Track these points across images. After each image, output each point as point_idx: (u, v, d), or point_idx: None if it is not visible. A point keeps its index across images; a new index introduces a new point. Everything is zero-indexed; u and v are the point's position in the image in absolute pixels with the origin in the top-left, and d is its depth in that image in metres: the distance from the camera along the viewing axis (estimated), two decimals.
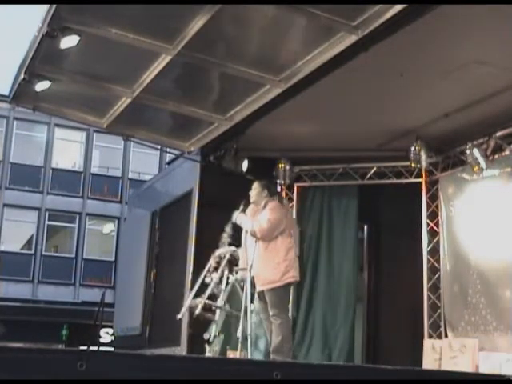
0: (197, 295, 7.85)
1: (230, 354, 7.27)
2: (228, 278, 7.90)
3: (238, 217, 7.07)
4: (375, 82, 8.03)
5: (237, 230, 7.58)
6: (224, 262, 7.87)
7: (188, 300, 7.77)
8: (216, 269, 7.93)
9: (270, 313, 6.83)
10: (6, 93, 9.56)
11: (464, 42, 7.00)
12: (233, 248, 7.92)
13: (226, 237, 8.03)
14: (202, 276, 7.98)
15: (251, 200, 7.16)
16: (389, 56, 7.25)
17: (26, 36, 7.84)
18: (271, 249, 6.87)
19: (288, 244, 7.01)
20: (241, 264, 7.18)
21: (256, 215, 7.03)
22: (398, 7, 6.29)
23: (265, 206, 7.06)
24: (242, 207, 7.09)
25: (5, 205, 25.60)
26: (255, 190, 7.18)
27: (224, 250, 8.04)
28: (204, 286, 7.88)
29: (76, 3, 6.85)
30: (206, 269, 8.01)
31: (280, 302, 6.89)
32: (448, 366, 8.49)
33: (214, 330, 7.58)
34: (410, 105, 8.75)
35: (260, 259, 6.85)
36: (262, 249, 6.89)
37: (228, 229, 7.94)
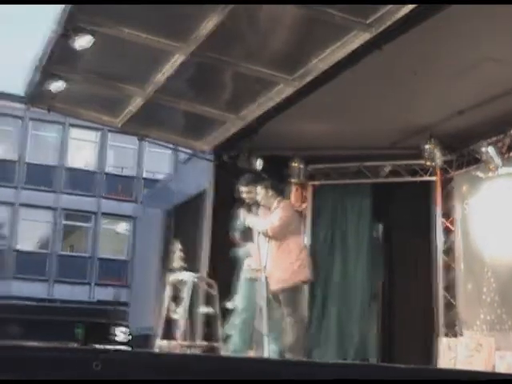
0: (166, 335, 7.20)
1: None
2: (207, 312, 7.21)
3: (249, 220, 7.07)
4: (388, 79, 8.01)
5: (187, 250, 7.35)
6: (188, 292, 6.97)
7: (157, 342, 7.02)
8: (175, 298, 7.08)
9: (284, 312, 6.83)
10: (22, 93, 9.61)
11: (478, 39, 6.96)
12: (192, 273, 7.10)
13: (177, 258, 7.27)
14: (164, 311, 7.17)
15: (261, 204, 7.16)
16: (402, 54, 7.23)
17: (41, 37, 7.90)
18: (284, 249, 6.87)
19: (300, 243, 7.05)
20: (253, 265, 7.16)
21: (267, 216, 7.04)
22: (412, 5, 6.27)
23: (277, 206, 7.06)
24: (254, 211, 7.09)
25: (21, 205, 25.77)
26: (259, 194, 7.17)
27: (182, 276, 7.14)
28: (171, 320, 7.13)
29: (89, 3, 6.87)
30: (165, 299, 7.17)
31: (293, 302, 6.89)
32: (464, 365, 8.45)
33: (229, 328, 7.57)
34: (424, 103, 8.71)
35: (273, 259, 6.86)
36: (274, 249, 6.89)
37: (176, 248, 7.35)
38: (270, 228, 6.88)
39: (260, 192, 7.17)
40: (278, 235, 6.91)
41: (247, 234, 7.35)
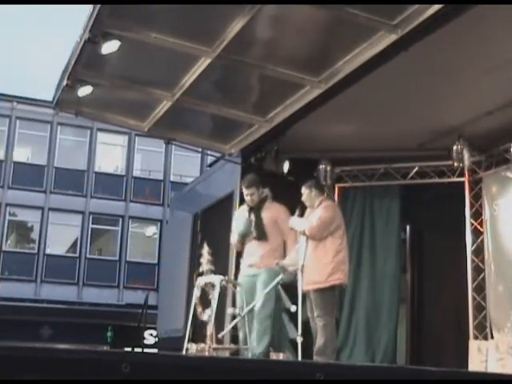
0: (194, 338, 7.19)
1: (273, 356, 7.26)
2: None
3: (291, 220, 7.03)
4: (416, 80, 7.96)
5: (214, 253, 7.24)
6: (216, 294, 6.83)
7: (185, 344, 6.95)
8: (203, 301, 6.97)
9: (315, 313, 6.80)
10: (50, 98, 9.72)
11: (506, 39, 6.89)
12: (221, 276, 7.01)
13: (206, 261, 7.11)
14: (191, 314, 7.10)
15: (307, 205, 7.12)
16: (429, 54, 7.18)
17: (69, 42, 7.99)
18: (320, 249, 6.81)
19: (338, 245, 6.90)
20: (244, 268, 7.19)
21: (310, 216, 7.00)
22: (438, 5, 6.23)
23: (319, 205, 7.01)
24: (297, 212, 7.05)
25: (50, 209, 26.03)
26: (304, 194, 7.14)
27: (211, 279, 7.02)
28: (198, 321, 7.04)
29: (115, 3, 6.91)
30: (193, 301, 7.07)
31: (324, 304, 6.82)
32: (495, 368, 8.36)
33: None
34: (452, 103, 8.65)
35: (309, 259, 6.81)
36: (311, 249, 6.84)
37: (204, 251, 7.21)
38: (308, 228, 6.82)
39: (304, 191, 7.13)
40: (316, 235, 6.82)
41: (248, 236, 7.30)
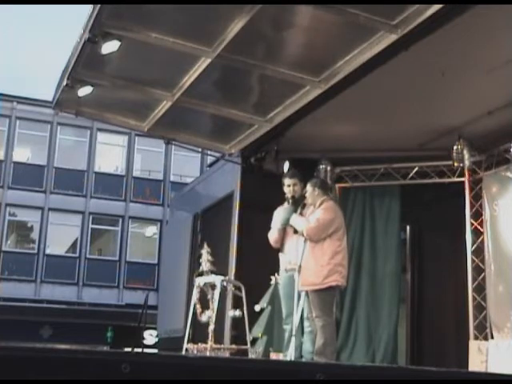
0: (194, 338, 7.29)
1: (273, 356, 7.26)
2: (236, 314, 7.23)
3: (292, 218, 7.02)
4: (416, 80, 7.96)
5: (214, 253, 7.29)
6: (217, 295, 6.94)
7: (185, 344, 7.06)
8: (203, 301, 7.07)
9: (314, 314, 6.80)
10: (50, 99, 9.72)
11: (506, 39, 6.89)
12: (221, 276, 7.09)
13: (206, 261, 7.19)
14: (191, 313, 7.19)
15: (308, 202, 7.10)
16: (429, 54, 7.19)
17: (70, 42, 7.97)
18: (317, 251, 6.80)
19: (336, 247, 6.86)
20: (285, 264, 7.17)
21: (310, 216, 6.99)
22: (438, 5, 6.23)
23: (320, 206, 6.99)
24: (299, 210, 7.03)
25: (50, 209, 26.04)
26: (307, 191, 7.13)
27: (211, 279, 7.08)
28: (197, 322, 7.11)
29: (115, 3, 6.90)
30: (192, 301, 7.17)
31: (322, 305, 6.82)
32: (496, 368, 8.35)
33: (256, 331, 7.57)
34: (452, 103, 8.65)
35: (306, 260, 6.81)
36: (309, 250, 6.84)
37: (204, 251, 7.28)
38: (306, 229, 6.81)
39: (308, 188, 7.11)
40: (314, 237, 6.80)
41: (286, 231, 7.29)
